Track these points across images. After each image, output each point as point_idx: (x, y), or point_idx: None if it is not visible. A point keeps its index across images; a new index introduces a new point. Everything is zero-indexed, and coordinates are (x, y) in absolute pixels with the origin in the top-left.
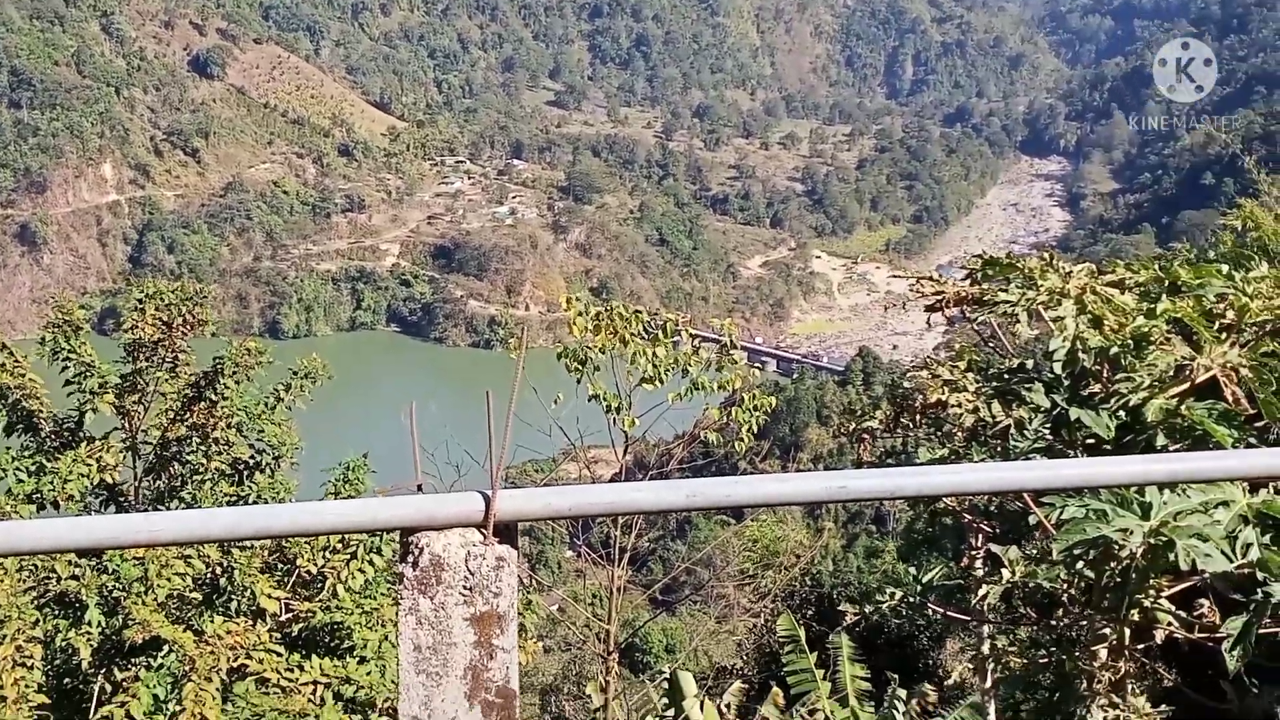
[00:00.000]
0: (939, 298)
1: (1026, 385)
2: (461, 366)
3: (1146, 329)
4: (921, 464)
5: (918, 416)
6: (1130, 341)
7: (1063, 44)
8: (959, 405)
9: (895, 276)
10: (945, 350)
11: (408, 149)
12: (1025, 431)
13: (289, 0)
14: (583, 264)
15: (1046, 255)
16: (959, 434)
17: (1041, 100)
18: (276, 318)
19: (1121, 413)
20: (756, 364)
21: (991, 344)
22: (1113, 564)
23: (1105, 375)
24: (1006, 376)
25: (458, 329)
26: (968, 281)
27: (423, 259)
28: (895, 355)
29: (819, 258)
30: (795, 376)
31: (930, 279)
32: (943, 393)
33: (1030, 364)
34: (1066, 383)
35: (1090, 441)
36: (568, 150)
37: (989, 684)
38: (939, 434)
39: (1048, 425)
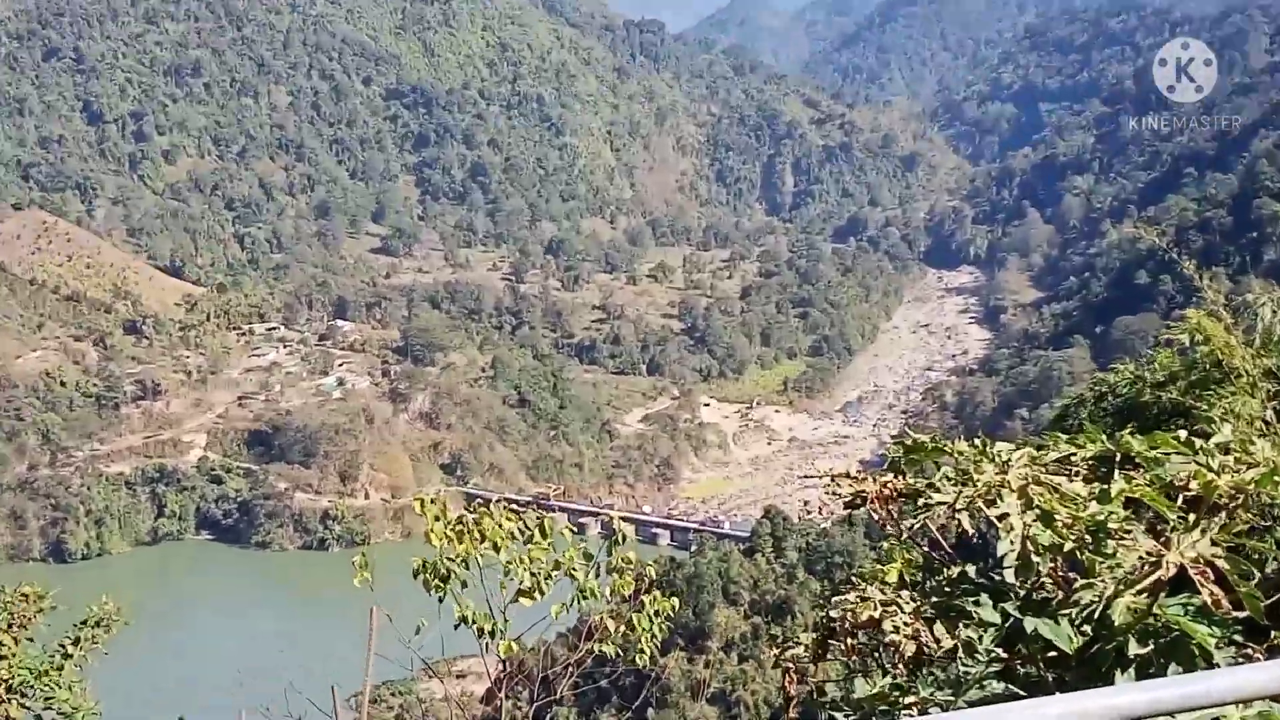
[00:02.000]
0: (859, 496)
1: (973, 598)
2: (292, 574)
3: (1102, 516)
4: (859, 698)
5: (849, 641)
6: (1087, 536)
7: (961, 138)
8: (896, 631)
9: (806, 478)
10: (871, 549)
11: (208, 319)
12: (976, 654)
13: (52, 156)
14: (429, 436)
15: (978, 442)
16: (899, 663)
17: (944, 203)
18: (61, 537)
19: (1085, 620)
20: (646, 538)
21: (922, 539)
22: None
23: (1061, 576)
24: (948, 589)
25: (284, 529)
26: (890, 471)
27: (236, 448)
28: (808, 512)
29: (708, 405)
30: (694, 549)
31: (846, 475)
32: (875, 613)
33: (973, 569)
34: (1019, 590)
35: (1052, 655)
36: (401, 304)
37: None
38: (875, 661)
39: (1001, 643)
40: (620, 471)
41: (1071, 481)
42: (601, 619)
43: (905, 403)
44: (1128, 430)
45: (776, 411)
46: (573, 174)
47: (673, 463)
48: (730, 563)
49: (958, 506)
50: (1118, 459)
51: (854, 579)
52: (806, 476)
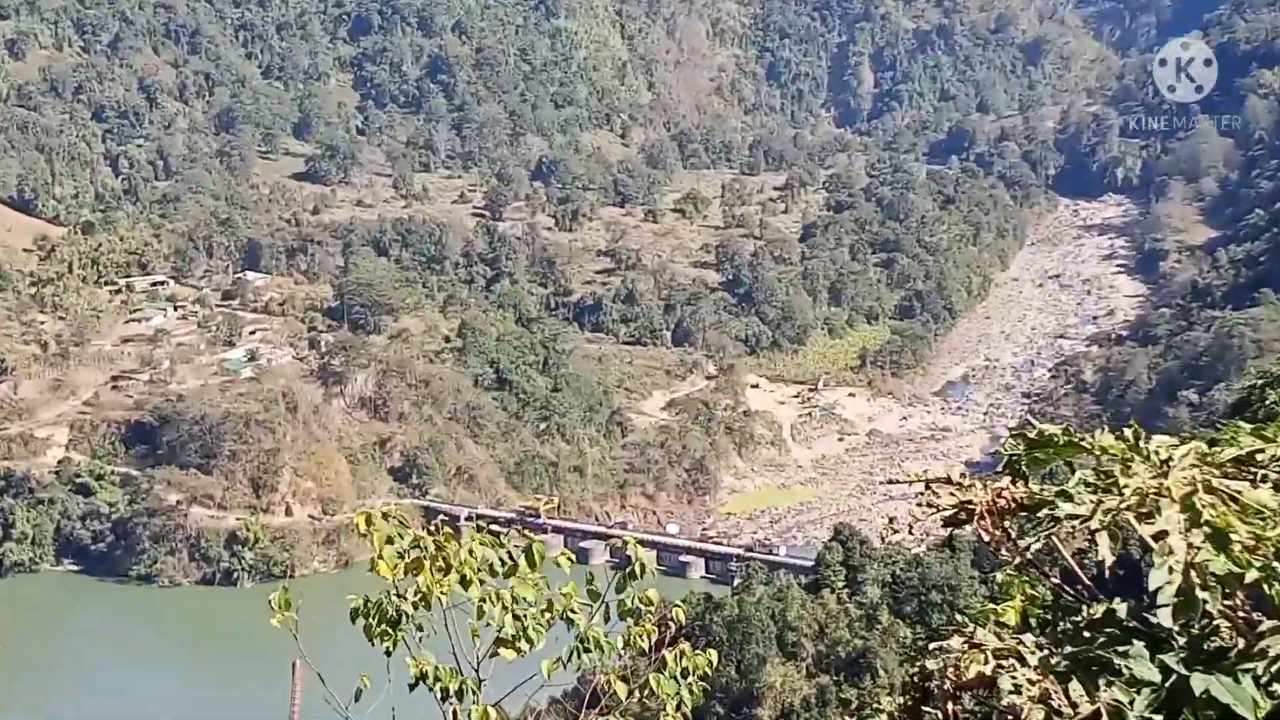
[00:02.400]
0: (964, 508)
1: (1121, 647)
2: (187, 618)
3: None
4: None
5: (951, 707)
6: (1277, 563)
7: (1104, 18)
8: (1019, 690)
9: (891, 484)
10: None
11: (70, 270)
12: None
13: None
14: (374, 431)
15: (1127, 434)
16: None
17: (1080, 109)
18: None
19: (1275, 679)
20: (672, 569)
21: (1051, 568)
22: None
23: (1242, 618)
24: (1086, 634)
25: (176, 557)
26: (1006, 475)
27: (109, 447)
28: (893, 531)
29: (756, 387)
30: (737, 582)
31: (946, 480)
32: (988, 667)
33: (1122, 608)
34: (1182, 637)
35: None
36: (334, 249)
37: None
38: None
39: (1160, 707)
40: (636, 478)
41: (1256, 488)
42: (610, 680)
43: (1028, 383)
44: None
45: (851, 395)
46: (569, 71)
47: (708, 466)
48: (788, 602)
49: (1097, 522)
50: None
51: (958, 621)
52: (891, 482)
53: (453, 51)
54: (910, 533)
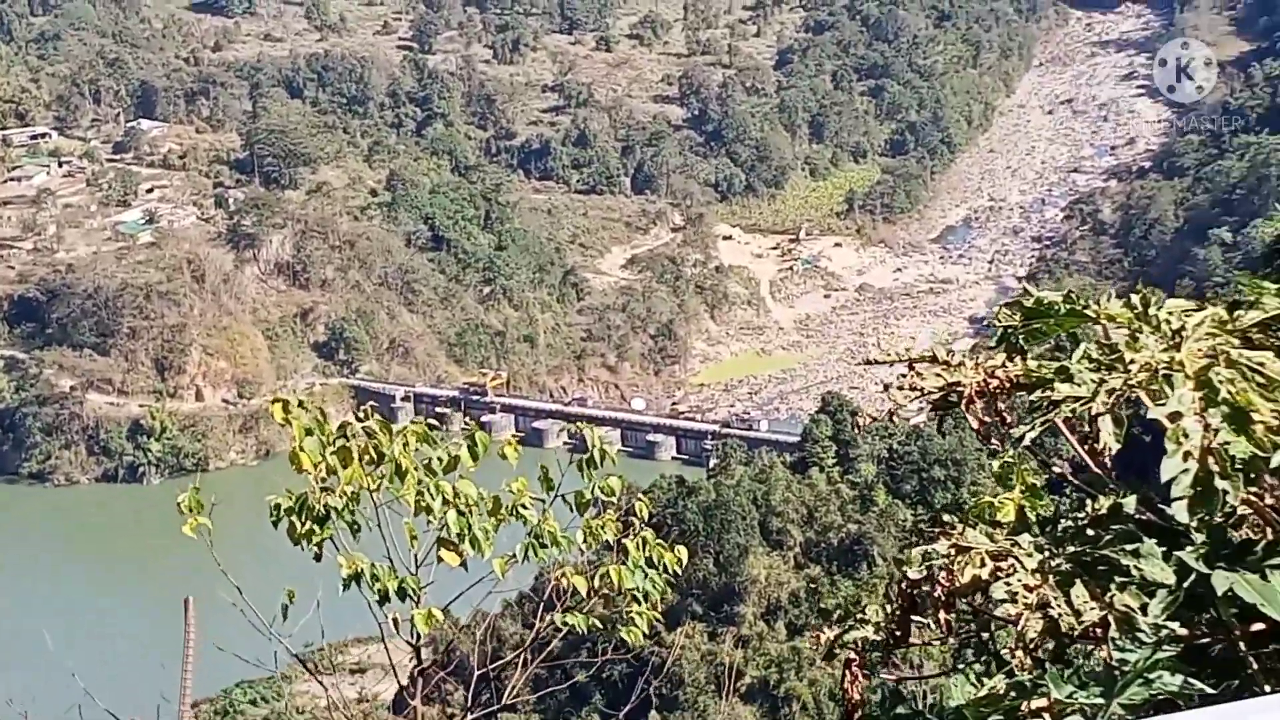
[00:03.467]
0: (952, 390)
1: (1131, 545)
2: (86, 521)
3: None
4: (959, 705)
5: (942, 616)
6: None
7: None
8: (1015, 598)
9: (870, 363)
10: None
11: None
12: (1139, 631)
13: None
14: (294, 300)
15: (1139, 295)
16: (1019, 648)
17: None
18: None
19: None
20: (639, 449)
21: (1053, 454)
22: None
23: (1271, 507)
24: (1091, 532)
25: (72, 451)
26: (1001, 350)
27: None
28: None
29: (728, 239)
30: (714, 463)
31: (932, 359)
32: (983, 571)
33: (1131, 500)
34: (1200, 532)
35: (1259, 629)
36: (241, 91)
37: None
38: (982, 644)
39: (1177, 612)
40: (595, 347)
41: None
42: (568, 578)
43: (1039, 225)
44: None
45: (837, 245)
46: None
47: (676, 331)
48: (771, 484)
49: (1100, 404)
50: None
51: (945, 518)
52: (869, 363)
53: None
54: (891, 420)
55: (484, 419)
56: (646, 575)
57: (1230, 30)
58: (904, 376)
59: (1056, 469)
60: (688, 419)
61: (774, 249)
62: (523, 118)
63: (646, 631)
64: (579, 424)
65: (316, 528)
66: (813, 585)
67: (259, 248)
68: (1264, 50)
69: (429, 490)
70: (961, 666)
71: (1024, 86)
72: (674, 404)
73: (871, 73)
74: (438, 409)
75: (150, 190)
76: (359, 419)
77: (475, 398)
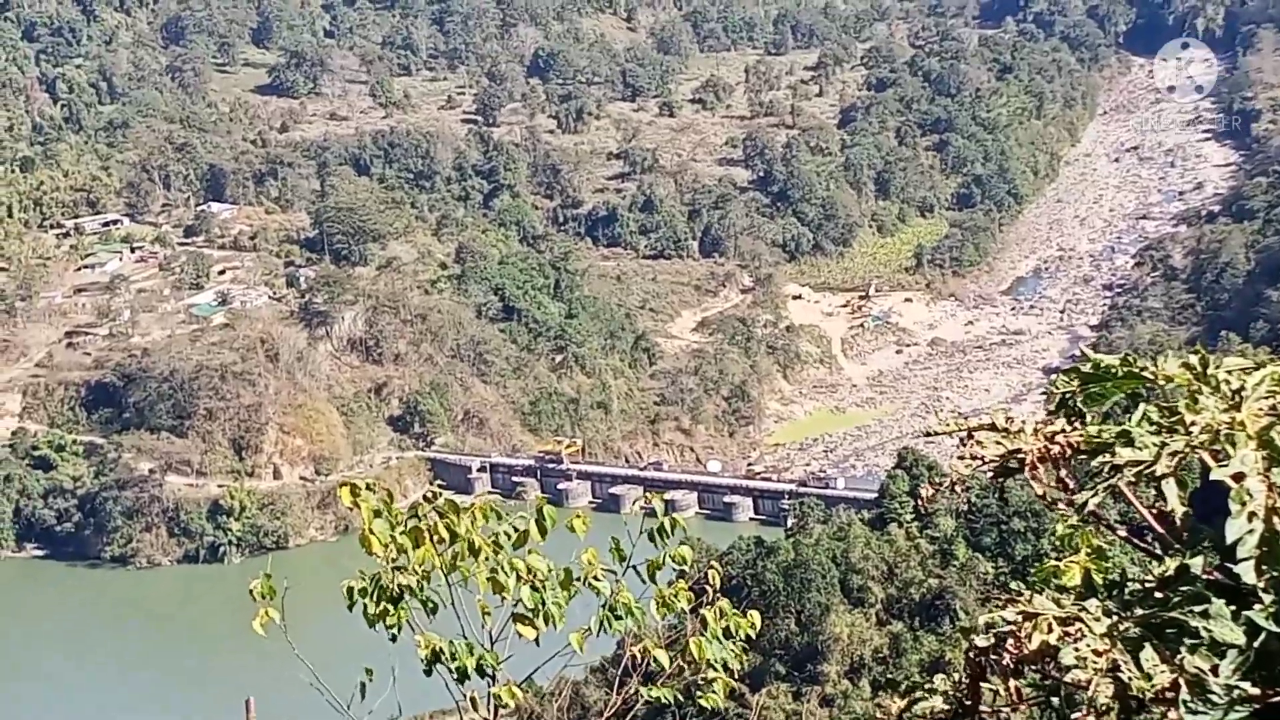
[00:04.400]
0: (1013, 458)
1: (1199, 607)
2: (168, 604)
3: None
4: None
5: (1010, 683)
6: None
7: None
8: (1084, 663)
9: (930, 434)
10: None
11: (9, 214)
12: (1211, 693)
13: None
14: (368, 375)
15: (1197, 354)
16: (1091, 713)
17: None
18: None
19: None
20: (717, 512)
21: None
22: None
23: None
24: (1159, 595)
25: (153, 534)
26: (1059, 413)
27: (69, 413)
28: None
29: (798, 298)
30: (792, 523)
31: (990, 427)
32: (1052, 637)
33: (1197, 562)
34: (1269, 591)
35: None
36: (308, 170)
37: None
38: (1054, 711)
39: (1248, 672)
40: (669, 411)
41: None
42: (646, 651)
43: (1109, 273)
44: None
45: (907, 300)
46: None
47: (750, 392)
48: (850, 541)
49: (1163, 467)
50: None
51: (1011, 589)
52: (929, 434)
53: None
54: (954, 491)
55: (560, 486)
56: (723, 645)
57: None
58: (964, 446)
59: (1121, 533)
60: (764, 479)
61: (844, 306)
62: (589, 185)
63: (725, 696)
64: (648, 493)
65: (390, 607)
66: (896, 641)
67: (331, 325)
68: None
69: (502, 567)
70: None
71: (1089, 135)
72: (749, 465)
73: (935, 127)
74: (514, 478)
75: (222, 272)
76: (428, 499)
77: (551, 465)
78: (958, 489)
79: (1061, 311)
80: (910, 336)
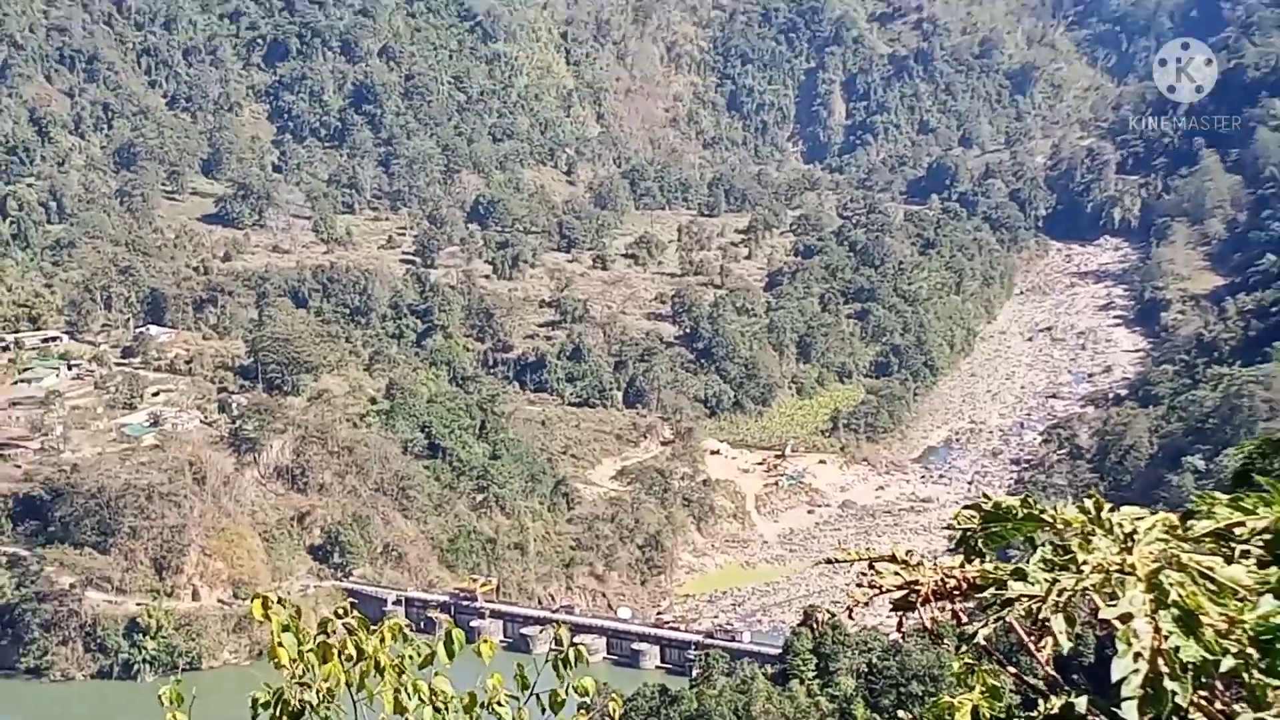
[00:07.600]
0: (910, 589)
1: None
2: (79, 719)
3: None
4: None
5: None
6: (1251, 649)
7: (1100, 41)
8: None
9: (829, 561)
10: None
11: None
12: None
13: None
14: (292, 504)
15: (1088, 505)
16: None
17: (1073, 142)
18: None
19: None
20: (624, 658)
21: (1010, 653)
22: None
23: (1221, 711)
24: None
25: (69, 647)
26: (960, 552)
27: None
28: (870, 615)
29: (716, 453)
30: (697, 673)
31: (890, 559)
32: None
33: (1082, 701)
34: None
35: None
36: (248, 300)
37: None
38: None
39: None
40: (584, 556)
41: (1230, 566)
42: None
43: (1018, 448)
44: None
45: (821, 462)
46: (509, 101)
47: (663, 542)
48: (753, 695)
49: (1051, 605)
50: None
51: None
52: (829, 561)
53: (379, 79)
54: (850, 617)
55: (473, 624)
56: None
57: (1205, 265)
58: (864, 575)
59: (1011, 671)
60: (672, 629)
61: (760, 464)
62: (520, 331)
63: None
64: (556, 625)
65: None
66: None
67: (260, 452)
68: (1237, 285)
69: (407, 688)
70: None
71: (1005, 313)
72: (659, 614)
73: (858, 296)
74: (429, 613)
75: (156, 394)
76: (338, 615)
77: (465, 603)
78: (853, 616)
79: (970, 482)
80: (822, 497)
